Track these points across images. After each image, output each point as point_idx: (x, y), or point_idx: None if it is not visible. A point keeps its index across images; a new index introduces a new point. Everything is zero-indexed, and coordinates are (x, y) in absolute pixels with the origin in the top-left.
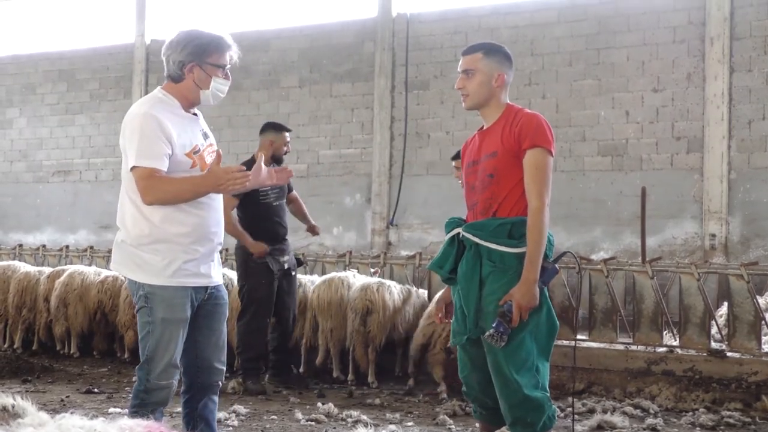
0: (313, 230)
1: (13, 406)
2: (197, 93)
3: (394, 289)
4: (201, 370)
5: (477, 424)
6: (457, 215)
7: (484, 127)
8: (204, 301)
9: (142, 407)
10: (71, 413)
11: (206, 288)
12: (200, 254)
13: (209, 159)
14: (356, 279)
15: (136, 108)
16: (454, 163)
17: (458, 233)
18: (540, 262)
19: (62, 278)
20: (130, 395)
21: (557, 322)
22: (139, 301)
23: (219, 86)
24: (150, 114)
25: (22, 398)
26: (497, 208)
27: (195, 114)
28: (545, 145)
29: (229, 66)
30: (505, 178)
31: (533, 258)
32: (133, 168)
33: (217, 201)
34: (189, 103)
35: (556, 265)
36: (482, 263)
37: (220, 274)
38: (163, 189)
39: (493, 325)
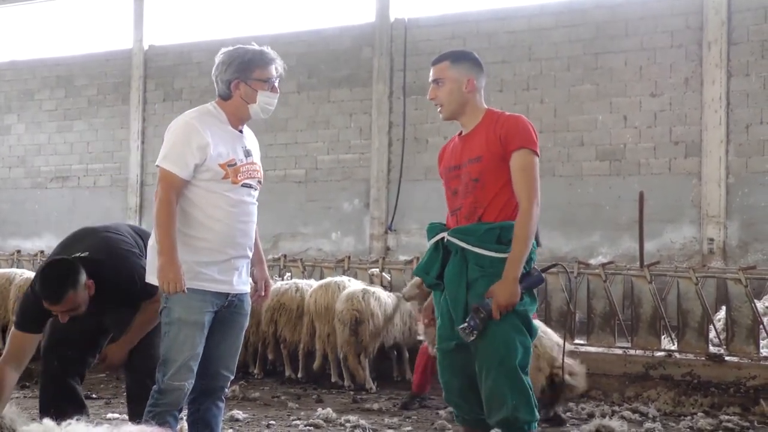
0: None
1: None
2: (246, 108)
3: (381, 295)
4: (206, 374)
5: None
6: None
7: (463, 132)
8: (223, 308)
9: (156, 407)
10: (77, 420)
11: (227, 295)
12: (221, 260)
13: (243, 176)
14: (352, 284)
15: (181, 115)
16: None
17: (442, 238)
18: (523, 262)
19: None
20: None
21: (535, 325)
22: (162, 302)
23: (266, 99)
24: (190, 123)
25: (14, 406)
26: (482, 212)
27: (240, 131)
28: (531, 147)
29: (275, 79)
30: (490, 182)
31: (517, 257)
32: (157, 166)
33: (251, 216)
34: (238, 119)
35: (543, 275)
36: (468, 267)
37: (246, 285)
38: (160, 211)
39: (466, 319)
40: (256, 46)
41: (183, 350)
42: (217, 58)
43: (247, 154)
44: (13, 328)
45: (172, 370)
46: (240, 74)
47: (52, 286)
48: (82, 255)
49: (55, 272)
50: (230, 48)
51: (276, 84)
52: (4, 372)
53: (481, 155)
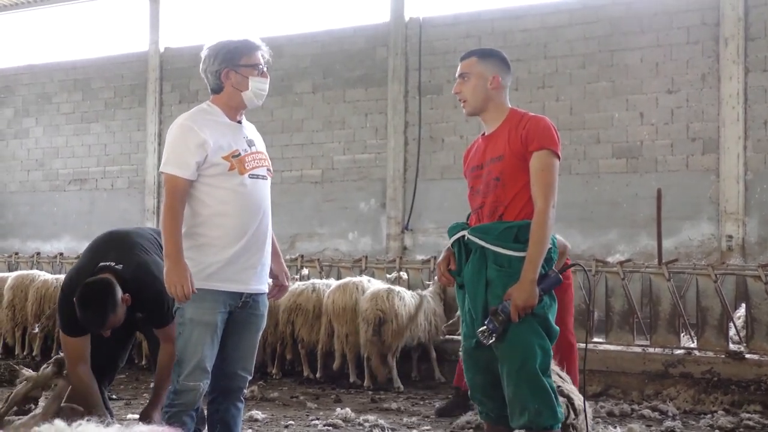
0: None
1: None
2: (239, 97)
3: (405, 295)
4: (224, 375)
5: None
6: None
7: (486, 133)
8: (238, 308)
9: (172, 407)
10: (88, 420)
11: (241, 295)
12: (234, 258)
13: (251, 165)
14: (371, 284)
15: (176, 119)
16: None
17: (463, 236)
18: (540, 263)
19: None
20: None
21: (555, 327)
22: (176, 302)
23: (258, 85)
24: (184, 124)
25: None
26: (503, 211)
27: (239, 122)
28: (552, 147)
29: (263, 65)
30: (511, 181)
31: (534, 258)
32: (160, 173)
33: (263, 209)
34: (233, 110)
35: (560, 275)
36: (487, 266)
37: (263, 285)
38: (164, 216)
39: (485, 322)
40: (239, 37)
41: (196, 351)
42: (203, 54)
43: (250, 143)
44: (60, 332)
45: (187, 371)
46: (228, 63)
47: (92, 316)
48: (116, 267)
49: (93, 300)
50: (213, 42)
51: (265, 69)
52: (79, 374)
53: (502, 154)
